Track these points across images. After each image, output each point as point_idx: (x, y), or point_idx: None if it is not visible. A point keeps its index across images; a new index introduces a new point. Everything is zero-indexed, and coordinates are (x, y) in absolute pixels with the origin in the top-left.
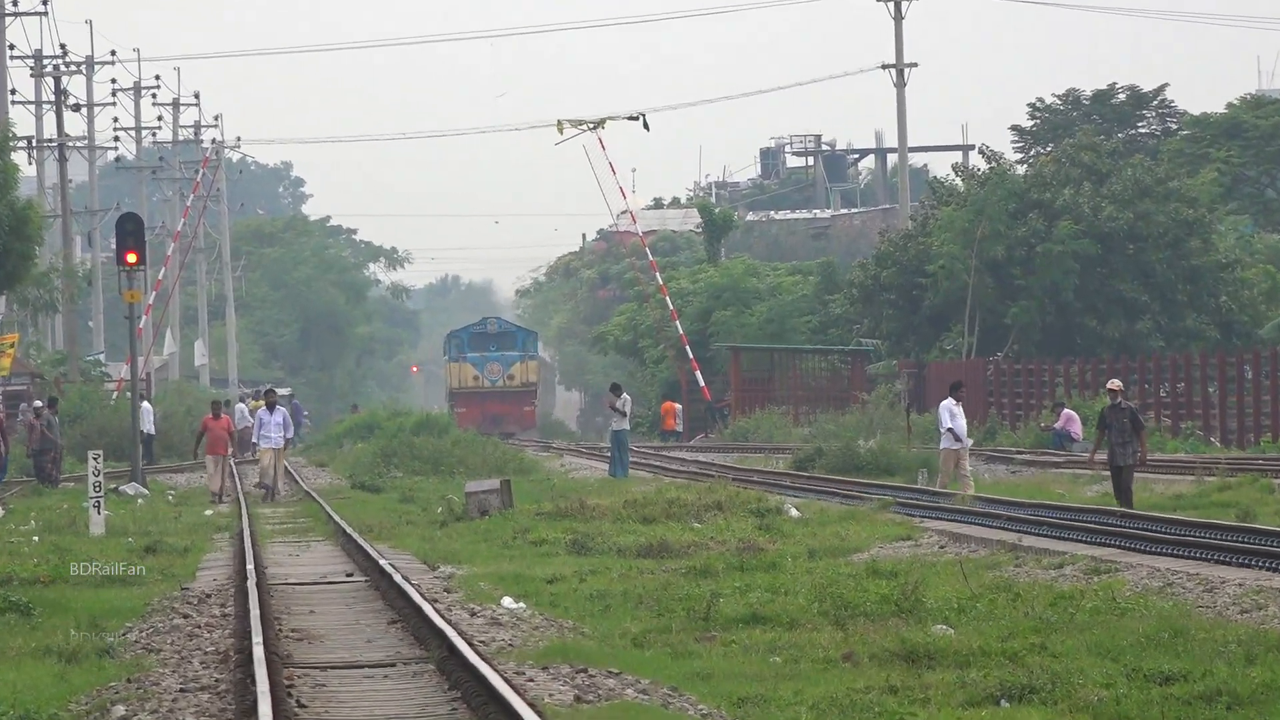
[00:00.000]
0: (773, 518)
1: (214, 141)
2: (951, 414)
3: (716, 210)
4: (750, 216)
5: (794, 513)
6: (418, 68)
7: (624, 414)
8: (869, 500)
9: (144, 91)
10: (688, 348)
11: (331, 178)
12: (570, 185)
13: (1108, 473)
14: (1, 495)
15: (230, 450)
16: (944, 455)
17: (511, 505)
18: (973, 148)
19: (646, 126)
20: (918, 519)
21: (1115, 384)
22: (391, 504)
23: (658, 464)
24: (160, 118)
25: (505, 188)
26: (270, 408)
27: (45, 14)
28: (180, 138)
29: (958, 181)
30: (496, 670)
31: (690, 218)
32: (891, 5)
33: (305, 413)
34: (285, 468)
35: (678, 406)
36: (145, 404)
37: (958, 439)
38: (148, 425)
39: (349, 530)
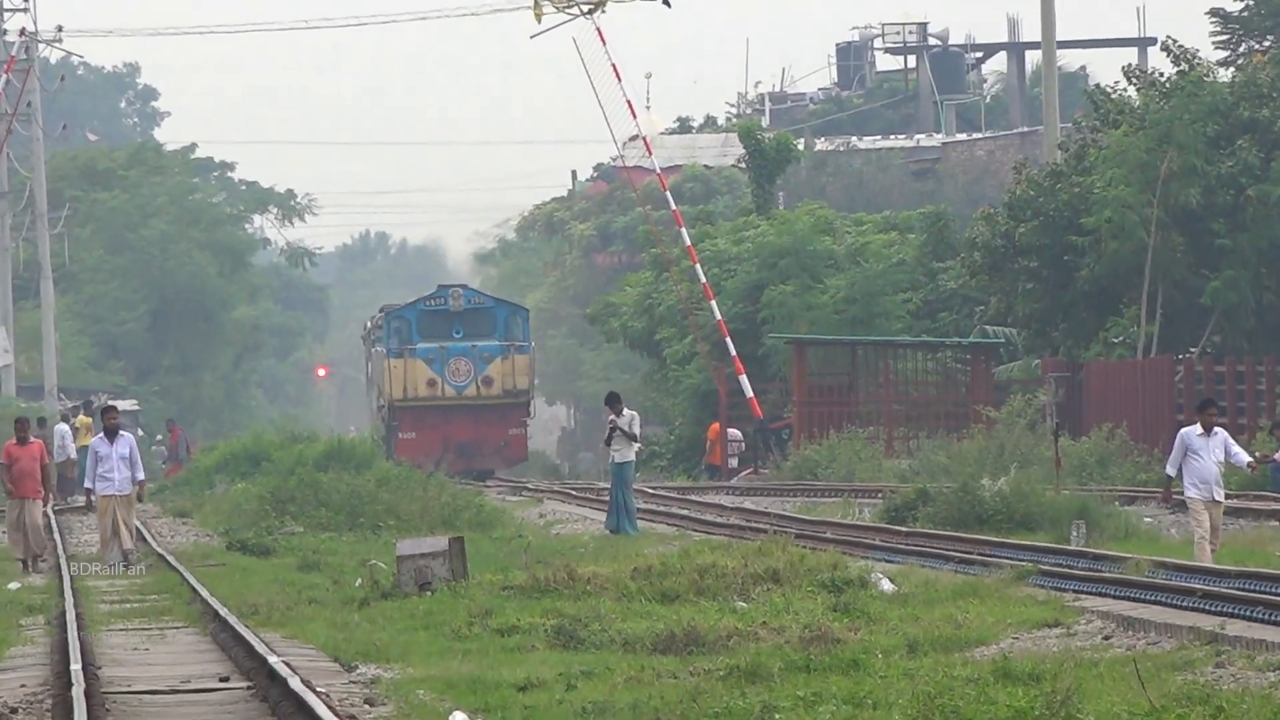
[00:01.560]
0: (854, 593)
1: (23, 33)
2: (1188, 448)
3: (770, 136)
4: (821, 144)
5: (886, 585)
6: None
7: (633, 437)
8: (998, 567)
9: None
10: (729, 340)
11: (197, 87)
12: (554, 98)
13: None
14: None
15: (46, 491)
16: (1190, 507)
17: (465, 575)
18: (1154, 42)
19: (668, 3)
20: (1070, 595)
21: None
22: (287, 572)
23: (683, 512)
24: None
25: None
26: (110, 434)
27: None
28: None
29: (1131, 92)
30: None
31: (731, 147)
32: None
33: (159, 438)
34: (137, 525)
35: (734, 431)
36: None
37: (1193, 485)
38: None
39: (223, 612)
